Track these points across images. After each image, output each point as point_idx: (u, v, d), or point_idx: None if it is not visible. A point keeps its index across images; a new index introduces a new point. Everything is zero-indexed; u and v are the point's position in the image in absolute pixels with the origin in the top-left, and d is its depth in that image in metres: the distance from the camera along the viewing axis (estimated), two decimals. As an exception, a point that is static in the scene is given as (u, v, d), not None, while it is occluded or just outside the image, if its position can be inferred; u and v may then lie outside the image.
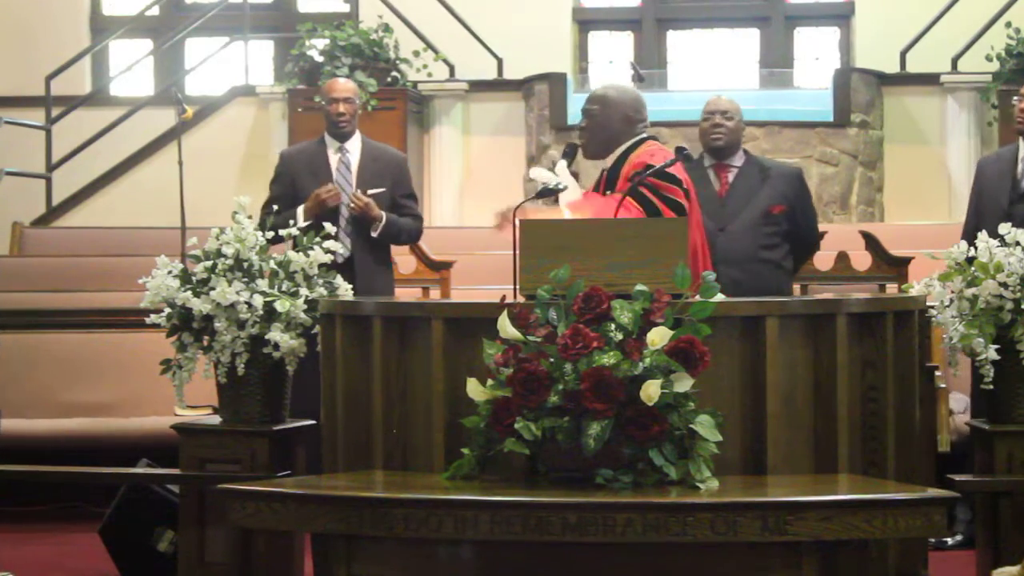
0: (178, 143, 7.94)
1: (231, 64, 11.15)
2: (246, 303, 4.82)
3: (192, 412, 5.93)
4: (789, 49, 11.09)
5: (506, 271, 4.67)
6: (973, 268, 4.63)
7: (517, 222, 4.33)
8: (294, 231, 5.05)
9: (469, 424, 4.04)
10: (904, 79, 10.15)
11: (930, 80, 10.05)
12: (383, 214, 6.24)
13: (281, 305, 4.81)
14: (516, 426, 3.89)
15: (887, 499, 3.77)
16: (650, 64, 10.78)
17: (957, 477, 4.61)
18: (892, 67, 10.14)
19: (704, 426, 3.91)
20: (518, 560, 3.85)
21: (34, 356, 7.14)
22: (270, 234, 5.05)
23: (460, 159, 10.51)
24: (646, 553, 3.79)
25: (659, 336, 3.90)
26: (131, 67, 11.23)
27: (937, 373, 5.11)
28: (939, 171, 10.05)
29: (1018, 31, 9.71)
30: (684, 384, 3.89)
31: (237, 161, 10.74)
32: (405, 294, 6.82)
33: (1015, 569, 4.09)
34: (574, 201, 4.90)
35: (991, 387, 4.62)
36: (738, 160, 5.87)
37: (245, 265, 4.92)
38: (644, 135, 5.11)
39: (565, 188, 4.84)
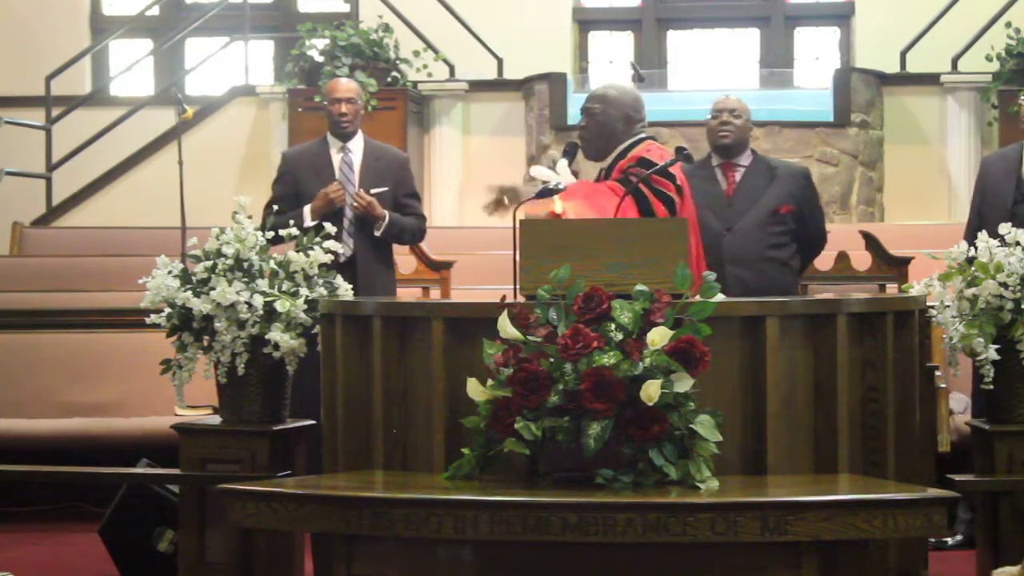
0: (178, 143, 7.94)
1: (231, 64, 11.15)
2: (246, 303, 4.82)
3: (192, 412, 5.94)
4: (789, 49, 11.09)
5: (506, 271, 4.68)
6: (973, 268, 4.63)
7: (517, 223, 4.33)
8: (294, 231, 5.05)
9: (469, 424, 4.04)
10: (904, 79, 10.15)
11: (930, 80, 10.05)
12: (386, 213, 6.25)
13: (281, 305, 4.81)
14: (516, 426, 3.89)
15: (887, 499, 3.77)
16: (650, 64, 10.78)
17: (957, 477, 4.61)
18: (892, 67, 10.14)
19: (704, 426, 3.91)
20: (518, 560, 3.86)
21: (34, 356, 7.14)
22: (270, 234, 5.05)
23: (460, 159, 10.50)
24: (646, 553, 3.79)
25: (659, 336, 3.90)
26: (131, 67, 11.22)
27: (937, 373, 5.11)
28: (939, 171, 10.05)
29: (1018, 31, 9.71)
30: (684, 384, 3.89)
31: (237, 161, 10.74)
32: (405, 294, 6.82)
33: (1015, 569, 4.09)
34: (567, 185, 4.92)
35: (991, 387, 4.62)
36: (745, 160, 5.87)
37: (245, 265, 4.91)
38: (642, 135, 5.12)
39: (566, 188, 4.84)
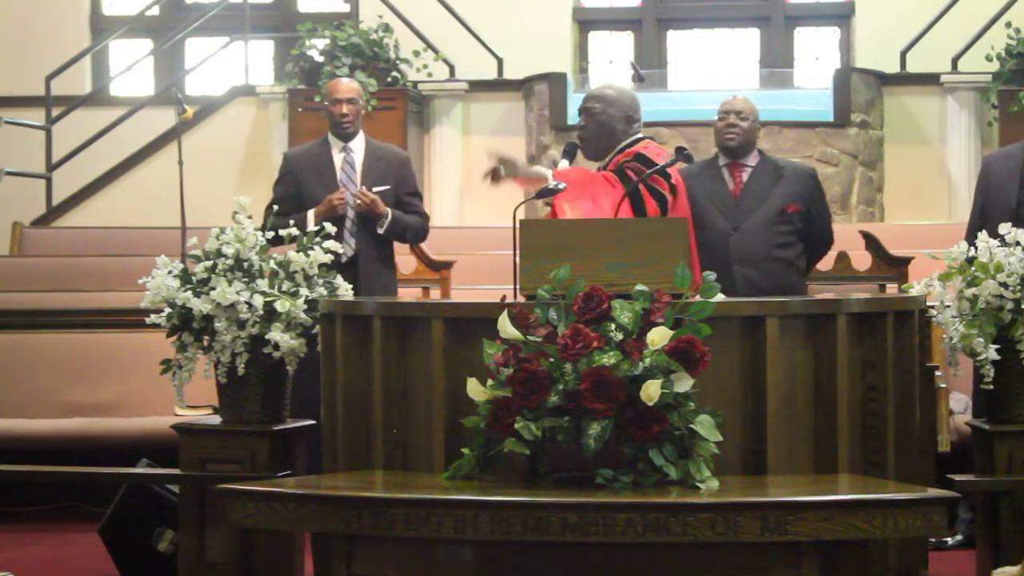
0: (178, 143, 7.94)
1: (231, 64, 11.15)
2: (246, 303, 4.82)
3: (192, 412, 5.94)
4: (789, 49, 11.09)
5: (506, 271, 4.68)
6: (973, 268, 4.63)
7: (517, 223, 4.33)
8: (295, 231, 5.05)
9: (469, 424, 4.04)
10: (904, 79, 10.15)
11: (930, 80, 10.05)
12: (388, 210, 6.25)
13: (281, 305, 4.81)
14: (516, 426, 3.89)
15: (887, 499, 3.77)
16: (650, 64, 10.78)
17: (957, 477, 4.60)
18: (892, 67, 10.14)
19: (704, 426, 3.91)
20: (518, 560, 3.86)
21: (34, 356, 7.14)
22: (270, 234, 5.05)
23: (460, 159, 10.50)
24: (646, 553, 3.79)
25: (659, 336, 3.90)
26: (131, 67, 11.22)
27: (937, 373, 5.11)
28: (939, 171, 10.05)
29: (1018, 31, 9.71)
30: (684, 384, 3.89)
31: (237, 161, 10.74)
32: (405, 294, 6.83)
33: (1015, 569, 4.09)
34: (562, 170, 4.93)
35: (991, 387, 4.62)
36: (752, 160, 5.87)
37: (245, 265, 4.91)
38: (640, 135, 5.14)
39: (565, 187, 4.85)
